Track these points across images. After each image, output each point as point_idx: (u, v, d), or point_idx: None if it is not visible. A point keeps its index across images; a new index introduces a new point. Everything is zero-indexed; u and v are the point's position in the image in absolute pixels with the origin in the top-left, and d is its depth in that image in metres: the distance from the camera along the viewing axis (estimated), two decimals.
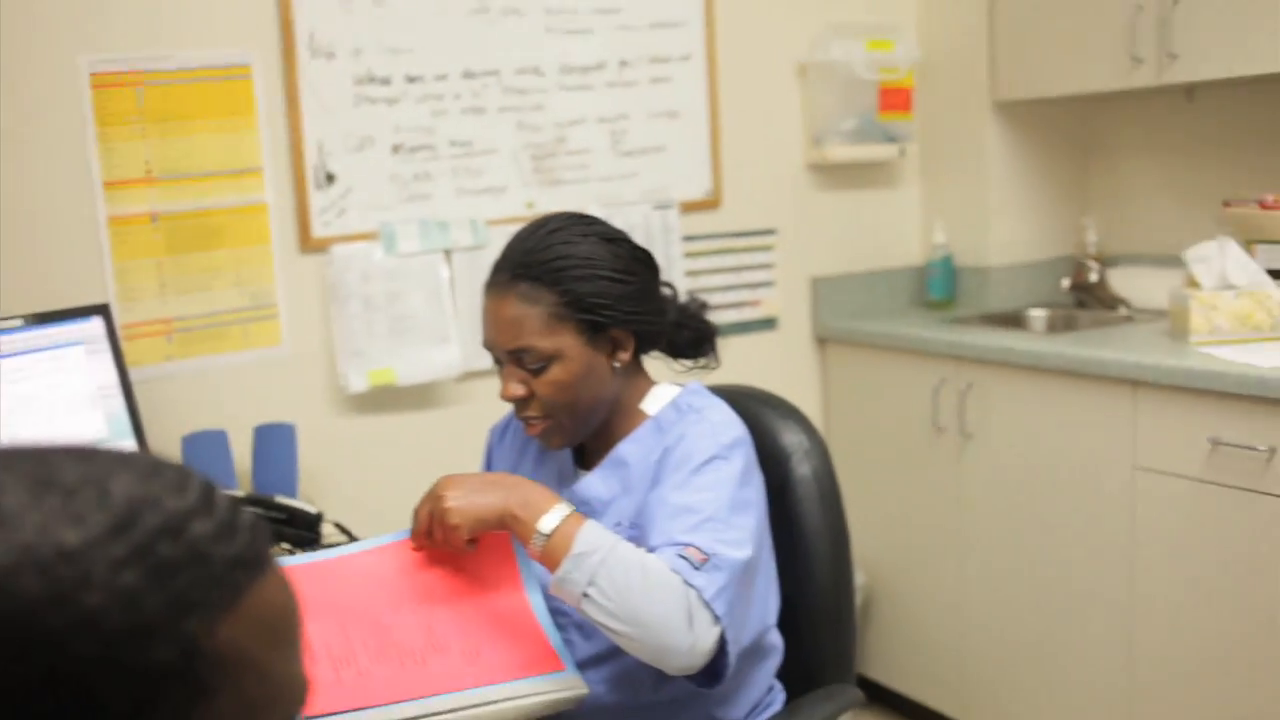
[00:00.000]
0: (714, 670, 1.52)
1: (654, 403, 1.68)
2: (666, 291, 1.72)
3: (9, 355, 2.09)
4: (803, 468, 1.80)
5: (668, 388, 1.71)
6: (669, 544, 1.50)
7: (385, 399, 2.77)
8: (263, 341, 2.62)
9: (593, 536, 1.47)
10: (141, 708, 0.51)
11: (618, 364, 1.63)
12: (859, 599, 3.14)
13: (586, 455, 1.73)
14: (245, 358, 2.61)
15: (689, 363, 1.77)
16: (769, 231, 3.24)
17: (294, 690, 0.59)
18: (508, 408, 1.75)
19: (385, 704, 1.41)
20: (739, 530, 1.53)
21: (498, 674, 1.49)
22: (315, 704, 1.35)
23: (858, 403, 3.24)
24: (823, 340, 3.32)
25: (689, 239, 3.09)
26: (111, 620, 0.50)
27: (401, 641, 1.53)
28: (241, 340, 2.60)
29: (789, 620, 1.78)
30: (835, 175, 3.32)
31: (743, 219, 3.19)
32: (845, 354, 3.26)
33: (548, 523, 1.48)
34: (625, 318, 1.60)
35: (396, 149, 2.70)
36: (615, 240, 1.63)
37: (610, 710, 1.66)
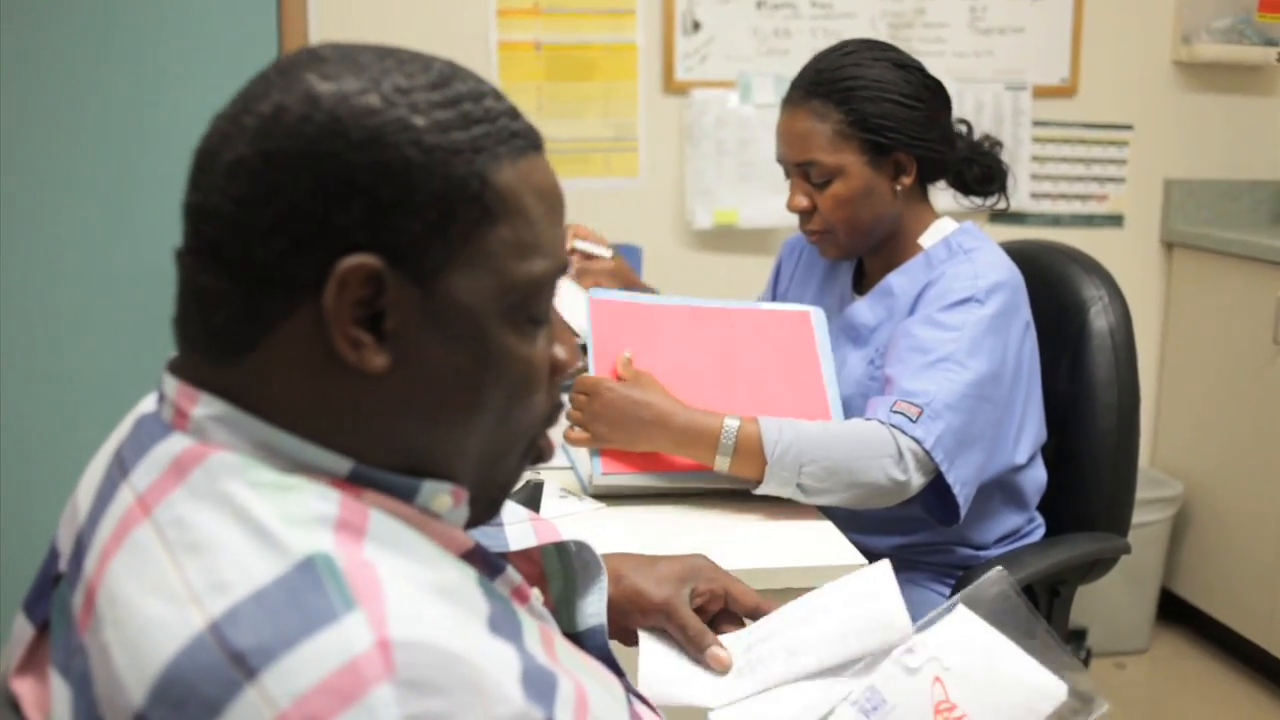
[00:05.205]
0: (951, 508, 1.59)
1: (931, 237, 1.74)
2: (960, 127, 1.77)
3: None
4: (1099, 320, 1.86)
5: (947, 222, 1.75)
6: (887, 397, 1.56)
7: (726, 238, 2.96)
8: (622, 171, 2.86)
9: (773, 434, 1.50)
10: (447, 214, 0.67)
11: (899, 188, 1.69)
12: (1173, 509, 3.06)
13: (864, 280, 1.82)
14: (604, 184, 2.86)
15: (978, 200, 1.82)
16: (1125, 126, 3.17)
17: (555, 249, 0.73)
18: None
19: None
20: (973, 372, 1.57)
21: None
22: None
23: (1199, 310, 3.14)
24: (1169, 244, 3.23)
25: (1039, 124, 3.08)
26: (429, 137, 0.67)
27: (696, 381, 1.65)
28: (603, 168, 2.85)
29: (1067, 462, 1.85)
30: (1202, 75, 3.21)
31: (1098, 111, 3.15)
32: (1192, 260, 3.16)
33: (725, 445, 1.50)
34: (909, 142, 1.66)
35: (760, 4, 2.86)
36: (906, 67, 1.69)
37: (855, 516, 1.68)
